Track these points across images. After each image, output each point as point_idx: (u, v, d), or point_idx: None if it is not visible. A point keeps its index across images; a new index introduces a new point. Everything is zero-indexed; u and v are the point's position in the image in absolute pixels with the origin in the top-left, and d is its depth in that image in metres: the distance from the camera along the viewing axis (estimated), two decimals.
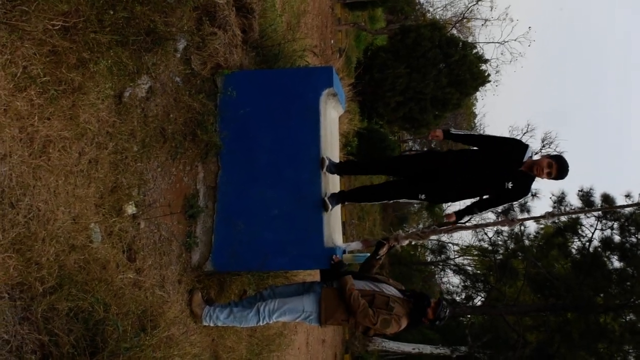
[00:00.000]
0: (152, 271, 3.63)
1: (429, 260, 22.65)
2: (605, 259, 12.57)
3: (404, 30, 12.22)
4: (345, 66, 11.92)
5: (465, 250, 21.01)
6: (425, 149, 23.99)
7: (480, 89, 13.56)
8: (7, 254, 2.40)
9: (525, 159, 4.25)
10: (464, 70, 11.87)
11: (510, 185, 4.23)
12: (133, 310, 3.07)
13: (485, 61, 12.96)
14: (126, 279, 3.20)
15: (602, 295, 12.60)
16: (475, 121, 27.65)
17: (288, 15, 7.59)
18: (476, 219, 14.85)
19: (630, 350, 11.84)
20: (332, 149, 4.91)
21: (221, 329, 4.50)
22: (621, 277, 12.19)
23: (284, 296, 4.27)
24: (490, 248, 15.78)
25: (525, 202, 14.00)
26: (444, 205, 20.93)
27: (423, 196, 4.43)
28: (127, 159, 3.39)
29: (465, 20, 21.55)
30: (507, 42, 20.32)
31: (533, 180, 4.34)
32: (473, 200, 4.57)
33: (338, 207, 4.89)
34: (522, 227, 14.80)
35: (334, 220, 4.72)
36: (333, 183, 4.82)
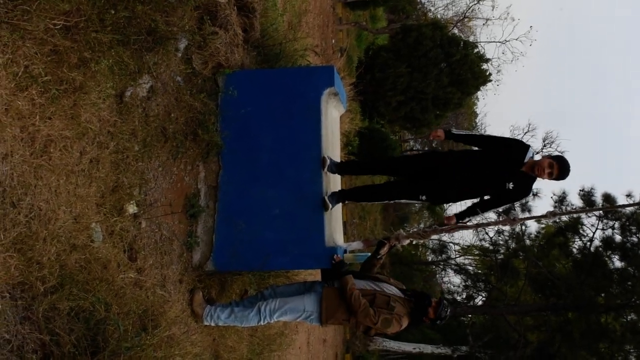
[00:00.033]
0: (153, 271, 3.63)
1: (430, 259, 22.62)
2: (607, 259, 12.57)
3: (405, 29, 12.21)
4: (346, 65, 11.91)
5: (466, 250, 20.99)
6: (427, 149, 24.00)
7: (481, 88, 13.55)
8: (9, 253, 2.41)
9: (526, 159, 4.24)
10: (465, 69, 11.86)
11: (511, 185, 4.23)
12: (134, 309, 3.07)
13: (487, 60, 12.96)
14: (127, 279, 3.20)
15: (603, 295, 12.60)
16: (477, 121, 27.62)
17: (289, 15, 7.59)
18: (477, 218, 14.81)
19: (632, 350, 11.84)
20: (333, 148, 4.91)
21: (222, 329, 4.50)
22: (622, 277, 12.18)
23: (285, 296, 4.27)
24: (491, 248, 15.76)
25: (526, 202, 13.97)
26: (445, 206, 20.92)
27: (424, 197, 4.43)
28: (128, 158, 3.39)
29: (466, 19, 21.54)
30: (509, 41, 20.25)
31: (534, 180, 4.33)
32: (473, 200, 4.56)
33: (339, 207, 4.88)
34: (523, 227, 14.79)
35: (335, 219, 4.72)
36: (334, 183, 4.81)
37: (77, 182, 2.89)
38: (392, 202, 4.80)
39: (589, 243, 12.98)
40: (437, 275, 22.56)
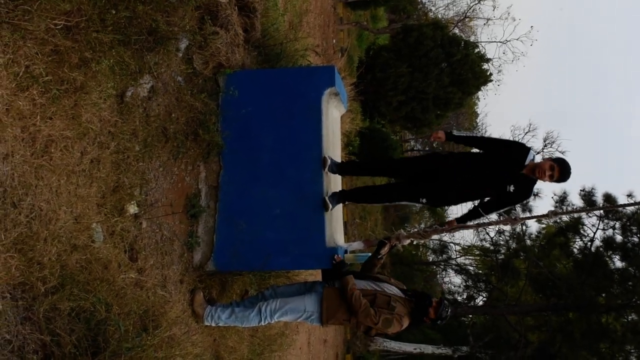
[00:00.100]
0: (154, 271, 3.63)
1: (430, 260, 22.60)
2: (607, 259, 12.54)
3: (406, 29, 12.21)
4: (347, 65, 11.89)
5: (466, 250, 20.98)
6: (427, 149, 24.00)
7: (482, 88, 13.55)
8: (9, 253, 2.40)
9: (527, 161, 4.24)
10: (466, 69, 11.86)
11: (512, 188, 4.23)
12: (135, 310, 3.07)
13: (487, 60, 12.96)
14: (128, 279, 3.20)
15: (604, 295, 12.58)
16: (477, 121, 27.62)
17: (290, 15, 7.59)
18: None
19: (632, 351, 11.82)
20: (334, 148, 4.91)
21: (223, 329, 4.50)
22: (623, 277, 12.16)
23: (286, 296, 4.27)
24: (491, 248, 15.75)
25: (527, 202, 13.97)
26: (446, 207, 20.90)
27: (424, 200, 4.43)
28: (129, 158, 3.39)
29: (467, 19, 21.53)
30: (509, 41, 20.23)
31: (535, 183, 4.33)
32: (473, 202, 4.56)
33: (340, 207, 4.88)
34: (524, 227, 14.79)
35: (335, 220, 4.72)
36: (335, 183, 4.81)
37: (78, 182, 2.89)
38: (392, 204, 4.80)
39: (589, 243, 12.96)
40: (438, 276, 22.54)
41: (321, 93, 4.57)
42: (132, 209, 3.42)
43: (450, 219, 5.18)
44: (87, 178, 2.97)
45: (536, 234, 14.81)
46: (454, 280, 20.21)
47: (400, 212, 23.56)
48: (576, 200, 13.12)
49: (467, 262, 20.42)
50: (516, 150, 4.34)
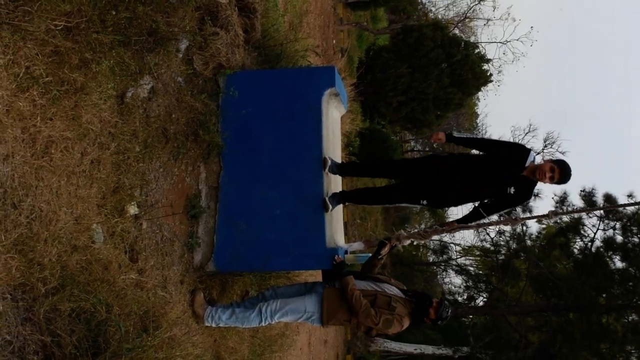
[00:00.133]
0: (154, 272, 3.63)
1: (431, 260, 22.62)
2: (608, 259, 12.53)
3: (406, 30, 12.20)
4: (347, 66, 11.89)
5: (467, 251, 20.99)
6: (427, 150, 24.00)
7: (482, 88, 13.55)
8: (10, 254, 2.40)
9: (528, 163, 4.24)
10: (466, 70, 11.86)
11: (512, 190, 4.23)
12: (135, 310, 3.07)
13: (488, 61, 12.95)
14: (128, 280, 3.20)
15: (604, 295, 12.56)
16: (478, 121, 27.63)
17: (290, 15, 7.59)
18: None
19: (633, 351, 11.80)
20: (334, 149, 4.91)
21: (223, 330, 4.50)
22: (623, 278, 12.15)
23: (286, 296, 4.26)
24: (492, 248, 15.75)
25: (527, 203, 13.97)
26: (446, 209, 20.89)
27: (425, 202, 4.43)
28: (129, 159, 3.39)
29: (467, 20, 21.53)
30: (509, 41, 20.25)
31: (535, 184, 4.33)
32: (473, 203, 4.55)
33: (340, 208, 4.88)
34: (524, 228, 14.79)
35: (336, 220, 4.72)
36: (335, 183, 4.81)
37: (78, 183, 2.89)
38: (392, 205, 4.80)
39: (590, 243, 12.96)
40: (438, 276, 22.54)
41: (321, 94, 4.57)
42: (133, 209, 3.42)
43: (450, 219, 5.19)
44: (88, 179, 2.97)
45: (536, 234, 14.82)
46: (455, 280, 20.23)
47: (400, 213, 23.55)
48: (576, 201, 13.13)
49: (467, 262, 20.44)
50: (516, 151, 4.34)
